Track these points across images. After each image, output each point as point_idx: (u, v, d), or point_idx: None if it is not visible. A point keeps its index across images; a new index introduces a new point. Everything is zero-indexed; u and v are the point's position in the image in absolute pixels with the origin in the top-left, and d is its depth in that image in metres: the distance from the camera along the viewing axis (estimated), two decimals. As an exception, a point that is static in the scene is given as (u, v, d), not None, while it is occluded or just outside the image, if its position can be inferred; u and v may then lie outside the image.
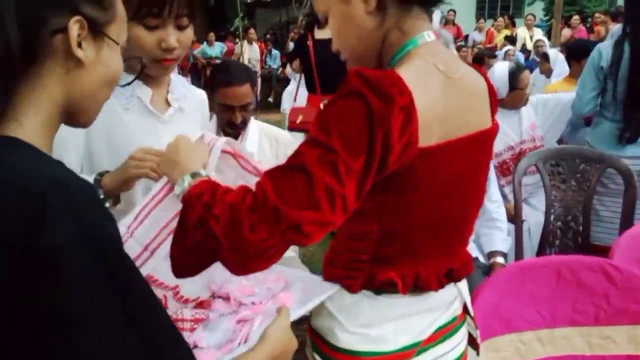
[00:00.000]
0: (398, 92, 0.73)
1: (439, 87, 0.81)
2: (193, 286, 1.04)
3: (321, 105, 3.35)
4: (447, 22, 10.52)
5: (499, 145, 2.70)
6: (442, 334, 0.96)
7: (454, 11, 11.42)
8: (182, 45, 1.12)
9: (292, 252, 1.87)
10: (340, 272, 0.93)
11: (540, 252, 2.30)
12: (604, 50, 2.40)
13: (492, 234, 2.12)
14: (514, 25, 10.39)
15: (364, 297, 0.92)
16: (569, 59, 3.99)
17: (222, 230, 0.73)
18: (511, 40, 8.41)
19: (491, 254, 2.06)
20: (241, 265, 0.76)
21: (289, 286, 1.13)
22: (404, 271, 0.90)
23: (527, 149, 2.70)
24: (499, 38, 9.20)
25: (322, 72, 3.39)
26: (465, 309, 1.03)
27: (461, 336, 1.01)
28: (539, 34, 8.88)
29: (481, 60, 4.65)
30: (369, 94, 0.72)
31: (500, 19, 10.19)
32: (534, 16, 9.47)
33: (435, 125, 0.79)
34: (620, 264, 1.21)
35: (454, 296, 0.99)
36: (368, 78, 0.73)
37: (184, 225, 0.80)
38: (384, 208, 0.85)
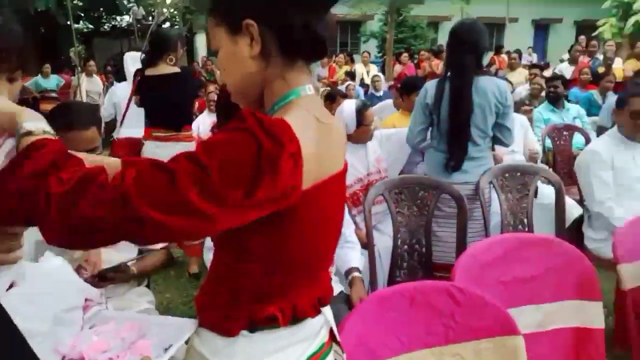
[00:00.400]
0: (288, 139, 0.78)
1: (316, 134, 0.87)
2: (39, 354, 0.92)
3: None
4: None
5: (349, 178, 2.82)
6: None
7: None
8: (12, 97, 1.01)
9: (147, 304, 1.75)
10: (218, 315, 0.93)
11: (391, 274, 2.47)
12: (429, 89, 2.64)
13: (347, 253, 2.18)
14: (352, 61, 11.23)
15: (238, 337, 0.91)
16: (401, 94, 4.43)
17: (61, 194, 0.70)
18: (351, 75, 9.06)
19: (349, 271, 2.10)
20: (61, 235, 0.73)
21: (144, 333, 1.06)
22: (283, 305, 0.93)
23: (374, 180, 2.88)
24: (340, 73, 9.85)
25: (150, 107, 3.40)
26: (332, 336, 1.06)
27: None
28: (374, 69, 9.73)
29: (333, 98, 4.90)
30: (262, 135, 0.75)
31: (341, 55, 10.91)
32: (369, 53, 10.33)
33: (313, 169, 0.85)
34: (461, 285, 1.35)
35: (321, 324, 1.02)
36: (262, 120, 0.77)
37: (15, 168, 0.74)
38: (266, 246, 0.89)
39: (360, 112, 2.65)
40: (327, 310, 1.04)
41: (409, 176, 2.71)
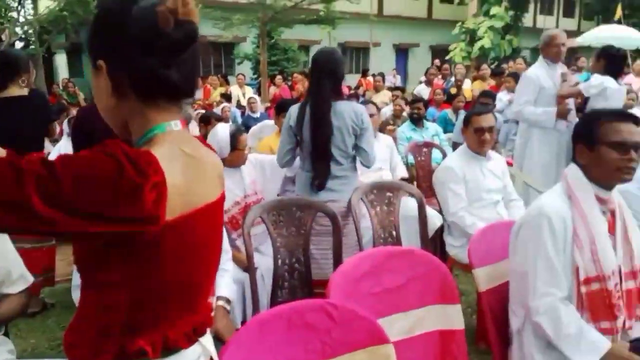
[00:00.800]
0: (153, 171, 0.81)
1: (183, 167, 0.90)
2: None
3: None
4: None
5: (227, 202, 2.83)
6: None
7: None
8: None
9: (7, 353, 1.59)
10: (88, 351, 0.92)
11: (274, 294, 2.50)
12: (292, 112, 2.78)
13: (217, 281, 2.16)
14: (227, 82, 11.21)
15: None
16: (277, 115, 4.54)
17: None
18: (226, 97, 9.03)
19: (217, 299, 2.07)
20: None
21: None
22: (153, 337, 0.93)
23: (251, 202, 2.90)
24: (215, 95, 9.77)
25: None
26: None
27: None
28: (250, 91, 9.81)
29: (207, 120, 4.85)
30: (126, 163, 0.78)
31: (214, 77, 10.82)
32: (244, 75, 10.38)
33: (179, 200, 0.87)
34: (335, 301, 1.42)
35: (197, 354, 1.02)
36: (128, 152, 0.80)
37: None
38: (132, 278, 0.89)
39: (235, 136, 2.68)
40: (206, 339, 1.05)
41: (286, 198, 2.77)
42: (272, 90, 10.89)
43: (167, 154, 0.88)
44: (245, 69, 16.29)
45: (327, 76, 2.67)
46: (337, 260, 2.57)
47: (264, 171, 3.04)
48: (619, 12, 16.82)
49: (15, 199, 0.72)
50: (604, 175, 1.69)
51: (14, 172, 0.72)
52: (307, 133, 2.69)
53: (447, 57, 19.07)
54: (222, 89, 10.16)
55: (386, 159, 3.88)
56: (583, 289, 1.64)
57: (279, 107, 4.50)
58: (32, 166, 0.73)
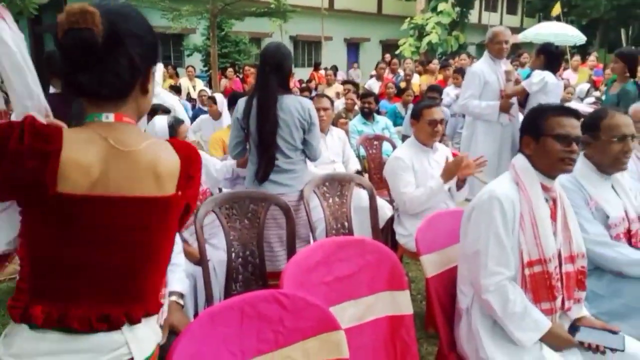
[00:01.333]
0: (44, 141, 0.95)
1: (99, 152, 1.01)
2: None
3: None
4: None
5: None
6: None
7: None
8: None
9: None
10: (11, 300, 1.03)
11: (227, 287, 2.49)
12: (240, 105, 2.79)
13: (168, 277, 2.13)
14: (177, 75, 10.97)
15: (20, 329, 1.02)
16: (229, 108, 4.52)
17: None
18: (176, 89, 8.84)
19: (170, 294, 2.08)
20: None
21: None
22: (52, 308, 1.00)
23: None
24: (164, 87, 9.53)
25: None
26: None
27: None
28: (200, 84, 9.63)
29: (153, 112, 4.72)
30: (23, 132, 0.94)
31: (164, 69, 10.55)
32: (194, 68, 10.18)
33: (83, 180, 0.98)
34: (287, 291, 1.45)
35: (117, 344, 1.06)
36: (34, 124, 0.97)
37: None
38: (31, 241, 1.00)
39: (173, 127, 2.66)
40: (141, 333, 1.10)
41: (238, 191, 2.76)
42: (224, 82, 10.75)
43: (83, 137, 1.01)
44: (195, 61, 15.94)
45: (273, 70, 2.69)
46: (291, 252, 2.59)
47: (208, 170, 3.06)
48: (557, 10, 17.67)
49: None
50: (548, 165, 1.80)
51: None
52: (254, 126, 2.70)
53: (396, 52, 19.39)
54: (171, 81, 9.94)
55: (339, 152, 3.93)
56: (527, 271, 1.74)
57: (231, 100, 4.49)
58: None
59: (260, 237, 2.57)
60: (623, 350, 1.69)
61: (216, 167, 3.28)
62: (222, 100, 5.44)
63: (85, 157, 0.98)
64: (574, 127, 1.78)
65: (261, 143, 2.70)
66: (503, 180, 1.85)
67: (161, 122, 2.68)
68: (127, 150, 1.03)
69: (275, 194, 2.67)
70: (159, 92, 4.89)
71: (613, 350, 1.69)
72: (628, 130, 2.14)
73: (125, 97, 1.08)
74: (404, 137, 5.43)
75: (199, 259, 2.39)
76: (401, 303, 1.82)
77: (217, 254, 2.60)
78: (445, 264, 2.04)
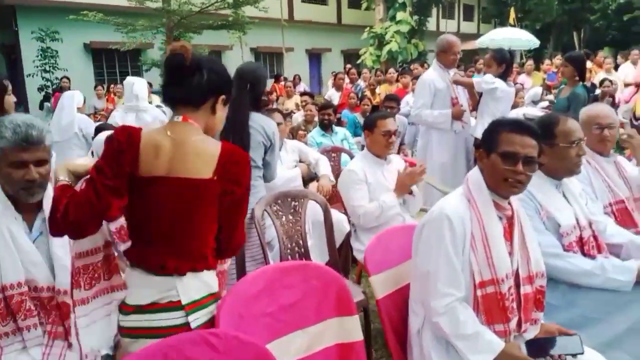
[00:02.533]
0: (128, 144, 1.43)
1: (162, 143, 1.46)
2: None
3: None
4: (62, 89, 9.97)
5: None
6: (155, 307, 1.47)
7: (68, 78, 10.95)
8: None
9: None
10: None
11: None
12: None
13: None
14: (133, 91, 10.64)
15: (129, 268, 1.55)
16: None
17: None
18: (132, 106, 8.56)
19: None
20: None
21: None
22: (138, 254, 1.50)
23: None
24: (120, 103, 9.26)
25: None
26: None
27: (172, 315, 1.47)
28: (157, 99, 9.36)
29: (99, 131, 4.52)
30: (117, 139, 1.44)
31: (120, 85, 10.28)
32: (150, 84, 9.92)
33: (155, 163, 1.44)
34: (218, 330, 1.33)
35: (170, 286, 1.47)
36: (119, 131, 1.46)
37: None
38: (129, 208, 1.48)
39: None
40: (188, 283, 1.49)
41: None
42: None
43: (155, 133, 1.47)
44: (154, 75, 15.65)
45: (247, 88, 2.68)
46: (241, 275, 2.47)
47: None
48: (512, 16, 18.16)
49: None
50: (494, 184, 1.74)
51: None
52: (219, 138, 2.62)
53: (358, 62, 19.50)
54: (127, 99, 9.64)
55: (294, 163, 3.83)
56: (479, 292, 1.67)
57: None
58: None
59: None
60: (582, 353, 1.65)
61: None
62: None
63: (152, 147, 1.44)
64: (524, 146, 1.69)
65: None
66: (455, 196, 1.79)
67: (102, 138, 2.70)
68: (180, 141, 1.46)
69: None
70: (146, 107, 4.85)
71: (574, 355, 1.65)
72: (580, 134, 2.14)
73: (196, 108, 1.53)
74: (363, 148, 5.38)
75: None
76: (351, 329, 1.72)
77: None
78: (397, 283, 1.96)
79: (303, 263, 1.77)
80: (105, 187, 1.40)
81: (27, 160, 1.62)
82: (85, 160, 1.63)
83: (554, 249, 1.99)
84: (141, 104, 4.81)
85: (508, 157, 1.69)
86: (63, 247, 1.72)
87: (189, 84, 1.48)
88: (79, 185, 1.54)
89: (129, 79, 5.04)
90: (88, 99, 10.24)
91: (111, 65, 16.86)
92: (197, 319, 1.48)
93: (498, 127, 1.76)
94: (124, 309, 1.50)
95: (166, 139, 1.45)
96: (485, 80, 4.11)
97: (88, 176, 1.47)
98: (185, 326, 1.45)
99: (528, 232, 1.84)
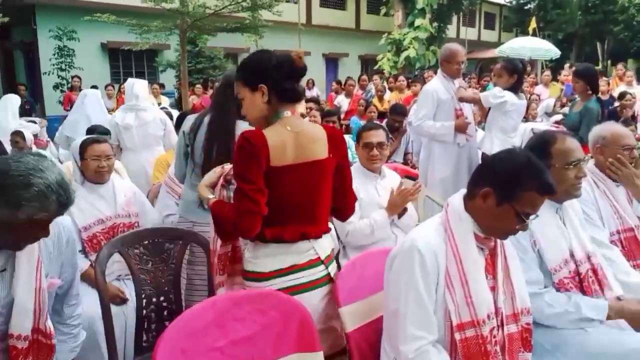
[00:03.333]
0: (261, 146, 1.66)
1: (284, 137, 1.70)
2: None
3: None
4: (73, 88, 10.00)
5: (88, 219, 2.61)
6: (295, 268, 1.73)
7: (79, 78, 10.97)
8: None
9: None
10: (247, 232, 1.71)
11: (138, 339, 2.20)
12: (189, 119, 2.59)
13: None
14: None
15: (256, 244, 1.76)
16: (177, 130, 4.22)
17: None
18: (139, 107, 8.49)
19: None
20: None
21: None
22: (273, 232, 1.71)
23: (121, 224, 2.67)
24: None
25: None
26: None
27: (313, 272, 1.76)
28: (165, 101, 9.35)
29: (91, 131, 4.42)
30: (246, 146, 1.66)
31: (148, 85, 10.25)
32: (160, 85, 9.93)
33: (284, 155, 1.69)
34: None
35: (308, 248, 1.75)
36: (244, 135, 1.69)
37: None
38: (269, 195, 1.68)
39: (83, 144, 2.57)
40: (322, 242, 1.80)
41: (150, 228, 2.49)
42: (193, 99, 10.47)
43: (275, 130, 1.71)
44: (169, 77, 15.67)
45: (232, 94, 2.50)
46: (212, 293, 2.31)
47: (143, 206, 2.83)
48: (532, 25, 17.81)
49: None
50: (493, 231, 1.56)
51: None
52: (201, 144, 2.48)
53: (375, 67, 19.30)
54: (137, 99, 9.59)
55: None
56: (457, 336, 1.49)
57: (179, 122, 4.19)
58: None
59: (177, 278, 2.29)
60: None
61: (164, 202, 3.05)
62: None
63: (279, 142, 1.68)
64: (537, 207, 1.52)
65: (206, 160, 2.45)
66: (430, 225, 1.60)
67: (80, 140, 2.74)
68: (296, 131, 1.73)
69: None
70: (146, 106, 4.84)
71: None
72: (580, 154, 1.94)
73: (297, 103, 1.83)
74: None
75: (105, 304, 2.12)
76: (312, 368, 1.55)
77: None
78: (370, 314, 1.78)
79: (260, 292, 1.60)
80: (254, 191, 1.63)
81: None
82: (212, 173, 1.89)
83: (532, 288, 1.76)
84: (141, 104, 4.78)
85: (524, 218, 1.50)
86: (28, 288, 1.58)
87: (299, 85, 1.80)
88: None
89: (130, 80, 5.03)
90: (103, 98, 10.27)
91: (127, 65, 16.97)
92: (333, 269, 1.82)
93: (529, 182, 1.49)
94: (260, 276, 1.72)
95: (288, 133, 1.71)
96: (494, 94, 3.89)
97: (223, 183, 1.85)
98: (327, 276, 1.79)
99: (513, 263, 1.65)
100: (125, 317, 2.38)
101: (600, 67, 23.85)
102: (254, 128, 2.80)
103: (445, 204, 1.65)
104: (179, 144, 2.62)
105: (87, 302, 2.43)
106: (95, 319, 2.23)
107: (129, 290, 2.43)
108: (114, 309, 2.22)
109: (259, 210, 1.63)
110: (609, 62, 29.68)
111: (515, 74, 4.03)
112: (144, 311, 2.21)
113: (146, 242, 2.25)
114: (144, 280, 2.22)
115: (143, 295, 2.21)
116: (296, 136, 1.71)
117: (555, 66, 16.39)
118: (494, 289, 1.56)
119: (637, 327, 1.78)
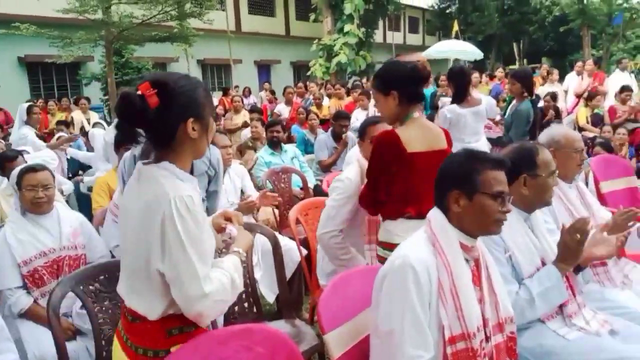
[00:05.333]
0: (395, 144, 2.12)
1: (416, 131, 2.15)
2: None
3: None
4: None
5: (30, 251, 2.42)
6: None
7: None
8: None
9: None
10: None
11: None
12: (127, 155, 2.43)
13: None
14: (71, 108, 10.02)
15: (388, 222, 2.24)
16: (117, 149, 3.98)
17: None
18: (67, 124, 7.99)
19: None
20: None
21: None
22: (397, 210, 2.17)
23: (66, 256, 2.50)
24: (54, 122, 8.64)
25: None
26: None
27: None
28: (95, 117, 8.85)
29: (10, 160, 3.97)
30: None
31: (51, 102, 9.65)
32: (88, 99, 9.37)
33: (414, 144, 2.11)
34: None
35: (421, 225, 1.66)
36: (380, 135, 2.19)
37: None
38: (397, 181, 2.16)
39: (21, 173, 2.46)
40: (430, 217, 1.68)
41: (107, 261, 2.30)
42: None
43: (409, 127, 2.15)
44: (94, 90, 14.91)
45: None
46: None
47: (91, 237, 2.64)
48: (455, 28, 18.60)
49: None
50: (478, 225, 1.57)
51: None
52: None
53: (308, 73, 19.39)
54: (61, 115, 9.03)
55: (237, 190, 3.55)
56: (449, 349, 1.47)
57: (118, 143, 3.94)
58: None
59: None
60: None
61: (110, 232, 2.85)
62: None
63: (412, 136, 2.11)
64: (504, 182, 1.58)
65: None
66: (418, 241, 1.58)
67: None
68: (424, 127, 2.19)
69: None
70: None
71: None
72: (555, 163, 2.03)
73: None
74: (321, 163, 5.16)
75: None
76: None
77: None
78: (356, 336, 1.72)
79: (245, 327, 1.50)
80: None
81: None
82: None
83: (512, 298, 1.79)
84: None
85: (498, 197, 1.53)
86: None
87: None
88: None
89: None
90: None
91: (48, 80, 16.00)
92: None
93: (477, 166, 1.57)
94: (388, 246, 2.12)
95: (418, 128, 2.15)
96: (442, 118, 4.02)
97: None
98: None
99: (494, 272, 1.66)
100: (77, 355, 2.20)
101: (517, 65, 25.35)
102: (213, 147, 2.71)
103: (426, 220, 1.63)
104: (129, 168, 2.45)
105: (37, 341, 2.25)
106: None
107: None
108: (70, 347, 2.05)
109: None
110: (525, 60, 31.64)
111: (451, 81, 4.14)
112: (104, 352, 2.03)
113: (102, 277, 2.07)
114: (103, 318, 2.04)
115: (102, 335, 2.03)
116: (422, 129, 2.16)
117: (477, 67, 17.18)
118: (481, 300, 1.55)
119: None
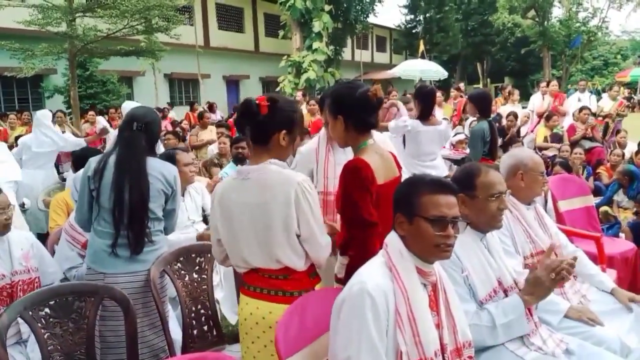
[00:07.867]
0: (369, 175, 1.89)
1: (377, 160, 1.97)
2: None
3: None
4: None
5: None
6: None
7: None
8: None
9: None
10: None
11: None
12: (93, 161, 2.37)
13: None
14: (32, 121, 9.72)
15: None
16: (76, 169, 3.86)
17: None
18: (25, 139, 7.72)
19: None
20: None
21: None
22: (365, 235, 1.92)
23: (19, 281, 2.38)
24: (14, 136, 8.37)
25: None
26: None
27: None
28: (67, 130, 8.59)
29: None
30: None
31: (12, 116, 9.36)
32: (64, 113, 9.12)
33: (378, 175, 1.92)
34: None
35: None
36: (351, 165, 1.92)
37: None
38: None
39: None
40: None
41: (57, 285, 2.22)
42: (85, 127, 9.76)
43: (370, 155, 1.95)
44: (57, 103, 14.51)
45: (143, 129, 2.37)
46: (132, 354, 2.09)
47: (43, 260, 2.52)
48: (421, 48, 19.00)
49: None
50: (422, 250, 1.56)
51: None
52: (109, 186, 2.28)
53: (277, 89, 19.42)
54: (21, 129, 8.76)
55: (198, 208, 3.48)
56: None
57: (79, 160, 3.80)
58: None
59: (91, 341, 2.05)
60: None
61: (64, 253, 2.73)
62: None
63: (375, 165, 1.92)
64: (450, 206, 1.56)
65: (125, 208, 2.28)
66: (375, 266, 1.57)
67: None
68: (379, 154, 2.01)
69: (131, 272, 2.29)
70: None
71: None
72: (502, 187, 2.01)
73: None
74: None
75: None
76: None
77: None
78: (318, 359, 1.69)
79: (200, 356, 1.46)
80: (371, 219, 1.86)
81: None
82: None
83: (471, 320, 1.78)
84: None
85: (437, 222, 1.52)
86: None
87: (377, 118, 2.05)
88: None
89: None
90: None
91: (9, 92, 15.52)
92: None
93: (416, 189, 1.58)
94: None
95: (376, 156, 1.97)
96: (396, 123, 4.06)
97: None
98: None
99: (452, 297, 1.66)
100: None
101: (480, 85, 26.05)
102: (170, 165, 2.66)
103: (384, 244, 1.63)
104: (82, 189, 2.37)
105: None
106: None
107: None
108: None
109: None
110: (488, 80, 32.52)
111: (418, 99, 4.19)
112: (55, 381, 1.94)
113: (52, 302, 1.99)
114: (53, 345, 1.96)
115: (52, 363, 1.94)
116: (382, 158, 2.00)
117: (441, 86, 17.54)
118: (438, 325, 1.55)
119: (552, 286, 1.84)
